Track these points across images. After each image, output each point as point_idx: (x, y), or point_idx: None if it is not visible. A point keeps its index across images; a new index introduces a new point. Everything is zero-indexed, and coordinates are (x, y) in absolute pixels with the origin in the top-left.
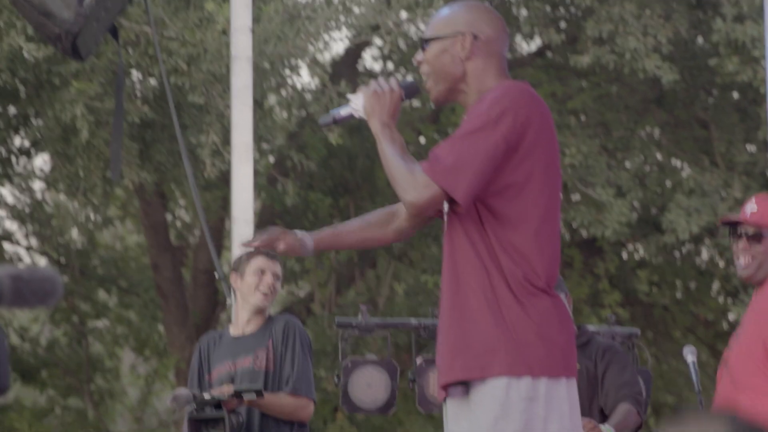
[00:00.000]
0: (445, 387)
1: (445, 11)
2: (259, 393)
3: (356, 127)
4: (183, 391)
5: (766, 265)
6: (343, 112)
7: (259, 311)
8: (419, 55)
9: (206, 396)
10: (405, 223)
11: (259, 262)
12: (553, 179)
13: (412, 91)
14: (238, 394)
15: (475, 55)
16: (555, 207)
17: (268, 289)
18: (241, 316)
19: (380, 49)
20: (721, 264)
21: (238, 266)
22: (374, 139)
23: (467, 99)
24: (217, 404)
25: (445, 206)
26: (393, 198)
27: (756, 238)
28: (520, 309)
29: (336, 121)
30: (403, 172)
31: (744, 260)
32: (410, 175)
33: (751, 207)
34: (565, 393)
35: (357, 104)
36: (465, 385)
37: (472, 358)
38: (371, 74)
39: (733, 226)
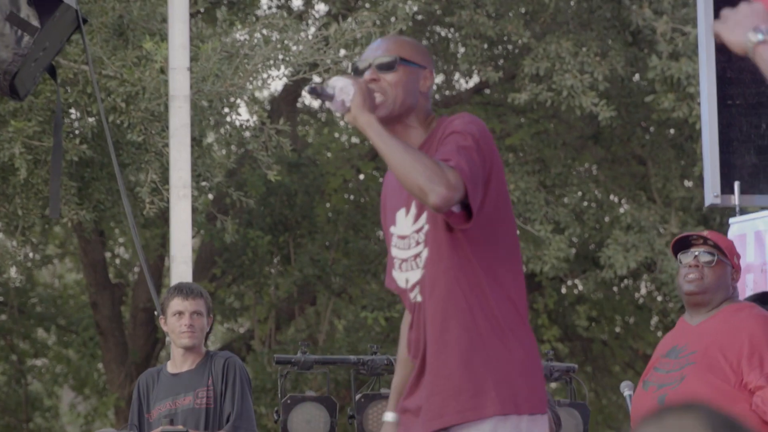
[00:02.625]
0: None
1: (409, 40)
2: None
3: (295, 164)
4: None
5: (711, 292)
6: (328, 90)
7: (190, 350)
8: (374, 72)
9: None
10: None
11: (176, 304)
12: (510, 208)
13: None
14: None
15: (427, 93)
16: (516, 236)
17: (188, 329)
18: (176, 354)
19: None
20: (660, 298)
21: (162, 310)
22: (313, 176)
23: (406, 130)
24: None
25: (404, 247)
26: (332, 235)
27: (709, 262)
28: (503, 346)
29: (318, 94)
30: (429, 164)
31: (694, 275)
32: (439, 168)
33: (706, 233)
34: (543, 429)
35: (344, 88)
36: (445, 430)
37: (465, 400)
38: (310, 111)
39: (687, 246)
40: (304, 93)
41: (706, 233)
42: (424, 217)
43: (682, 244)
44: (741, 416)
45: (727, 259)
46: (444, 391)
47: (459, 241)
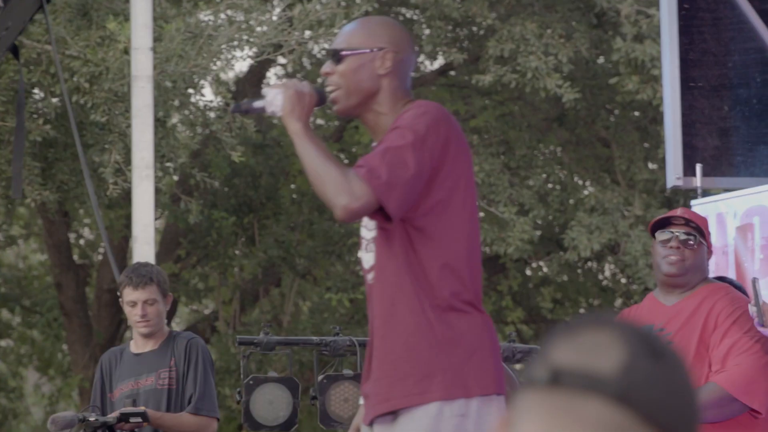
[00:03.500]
0: (377, 416)
1: (363, 24)
2: (143, 416)
3: (260, 146)
4: (63, 415)
5: (691, 273)
6: (256, 104)
7: (149, 336)
8: (328, 66)
9: (92, 418)
10: None
11: (127, 294)
12: (472, 195)
13: (322, 99)
14: (124, 417)
15: (392, 73)
16: (477, 222)
17: (142, 319)
18: (138, 335)
19: (284, 67)
20: (623, 281)
21: (119, 296)
22: (278, 158)
23: (377, 117)
24: (111, 428)
25: (370, 228)
26: (297, 216)
27: (689, 243)
28: (451, 330)
29: (246, 111)
30: (336, 175)
31: (675, 257)
32: (344, 179)
33: (686, 213)
34: (496, 410)
35: (273, 99)
36: (393, 413)
37: (411, 385)
38: None
39: (665, 225)
40: (268, 74)
41: (686, 214)
42: None
43: (661, 224)
44: (661, 337)
45: (705, 239)
46: (390, 375)
47: (406, 232)
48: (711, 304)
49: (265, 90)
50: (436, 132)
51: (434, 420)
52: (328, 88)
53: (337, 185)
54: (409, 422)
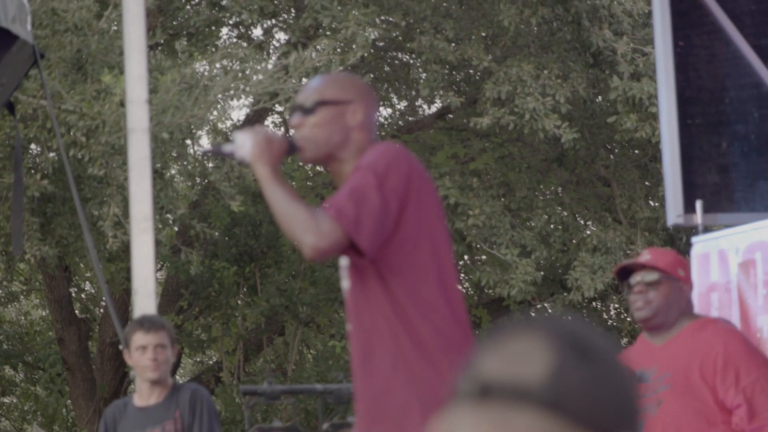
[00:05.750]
0: None
1: (332, 78)
2: None
3: (259, 194)
4: None
5: (663, 312)
6: (225, 148)
7: (157, 383)
8: (298, 118)
9: None
10: None
11: (138, 339)
12: (443, 230)
13: (294, 149)
14: None
15: (361, 125)
16: (450, 258)
17: (152, 363)
18: (143, 387)
19: (281, 114)
20: (629, 319)
21: (126, 344)
22: None
23: (342, 167)
24: None
25: (344, 266)
26: (298, 264)
27: (652, 284)
28: (431, 368)
29: (216, 155)
30: (303, 214)
31: (641, 302)
32: (312, 218)
33: (645, 256)
34: None
35: (242, 144)
36: None
37: (389, 423)
38: None
39: (628, 275)
40: (265, 122)
41: (643, 257)
42: None
43: (624, 273)
44: (593, 332)
45: (670, 275)
46: (370, 415)
47: (378, 269)
48: (705, 340)
49: (235, 135)
50: (396, 170)
51: None
52: (298, 140)
53: (305, 225)
54: None
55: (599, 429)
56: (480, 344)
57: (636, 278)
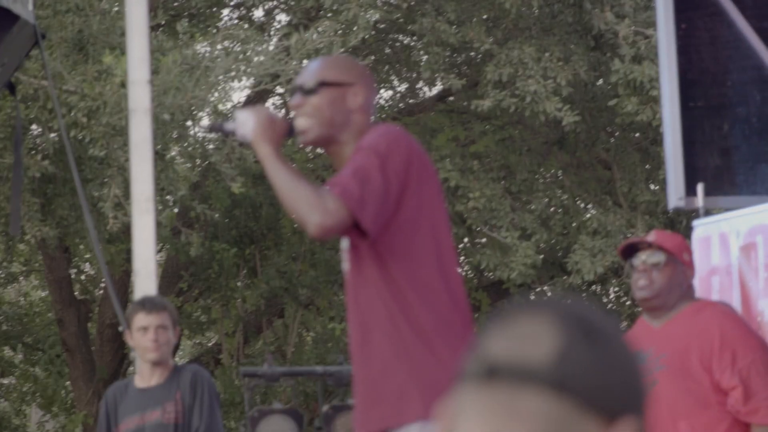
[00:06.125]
0: None
1: (334, 60)
2: None
3: (260, 176)
4: None
5: (664, 294)
6: (227, 125)
7: (158, 364)
8: (299, 98)
9: None
10: None
11: (140, 319)
12: (443, 213)
13: (294, 130)
14: None
15: (361, 108)
16: (449, 241)
17: (153, 344)
18: (144, 368)
19: (282, 96)
20: (628, 303)
21: (127, 324)
22: None
23: (341, 149)
24: None
25: (345, 248)
26: (298, 246)
27: (656, 265)
28: (428, 352)
29: (218, 132)
30: (308, 193)
31: (644, 281)
32: (317, 196)
33: (652, 236)
34: None
35: (244, 123)
36: None
37: (387, 407)
38: None
39: (634, 251)
40: (266, 104)
41: (650, 237)
42: None
43: (629, 251)
44: (599, 314)
45: (675, 258)
46: (368, 398)
47: (377, 251)
48: (703, 323)
49: (237, 113)
50: (398, 152)
51: None
52: (299, 120)
53: (310, 203)
54: None
55: (606, 411)
56: (486, 326)
57: (641, 257)
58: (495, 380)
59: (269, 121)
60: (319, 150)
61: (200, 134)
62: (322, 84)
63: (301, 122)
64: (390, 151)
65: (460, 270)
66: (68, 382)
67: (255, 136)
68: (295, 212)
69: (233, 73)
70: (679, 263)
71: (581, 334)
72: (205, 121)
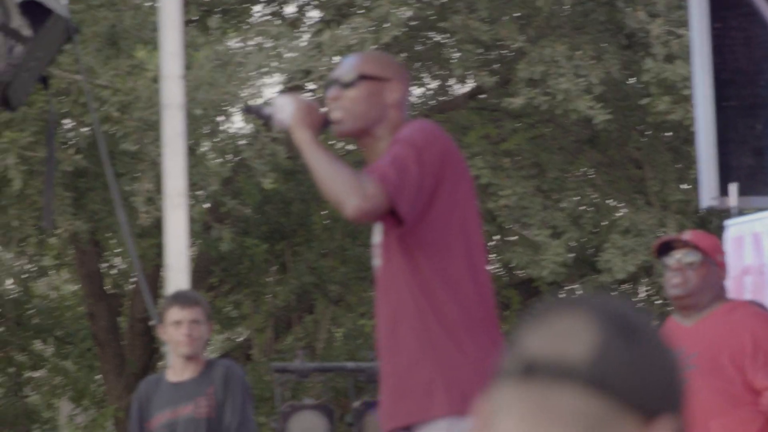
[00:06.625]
0: None
1: (371, 55)
2: None
3: (291, 172)
4: None
5: (697, 293)
6: (266, 110)
7: (191, 358)
8: (335, 91)
9: None
10: None
11: (173, 313)
12: (474, 210)
13: (329, 123)
14: None
15: (397, 104)
16: (481, 237)
17: (186, 338)
18: (176, 363)
19: (313, 92)
20: (658, 302)
21: (160, 318)
22: (309, 184)
23: (376, 143)
24: None
25: (376, 243)
26: (329, 242)
27: (692, 264)
28: (455, 348)
29: (255, 114)
30: (347, 176)
31: (677, 280)
32: (356, 180)
33: (688, 235)
34: None
35: (282, 108)
36: (406, 430)
37: (413, 401)
38: None
39: (669, 249)
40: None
41: (686, 236)
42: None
43: (664, 249)
44: (636, 311)
45: (710, 258)
46: (394, 392)
47: (408, 245)
48: (735, 323)
49: (276, 98)
50: (433, 146)
51: None
52: (335, 112)
53: (348, 186)
54: None
55: (644, 409)
56: (523, 323)
57: (676, 256)
58: (532, 378)
59: (307, 107)
60: (351, 146)
61: (231, 129)
62: (361, 77)
63: (337, 115)
64: (426, 145)
65: (489, 267)
66: (99, 376)
67: (293, 121)
68: (332, 195)
69: (265, 69)
70: (713, 263)
71: (619, 331)
72: (237, 117)
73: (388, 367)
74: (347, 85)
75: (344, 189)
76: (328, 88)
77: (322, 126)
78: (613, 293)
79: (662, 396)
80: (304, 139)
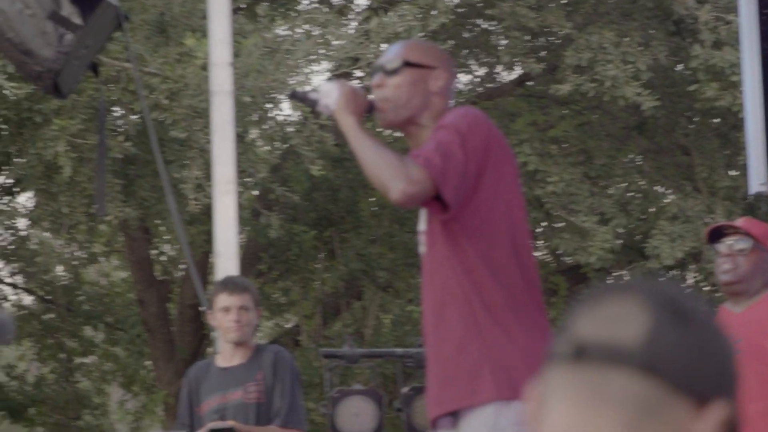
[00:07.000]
0: (435, 419)
1: (416, 43)
2: (232, 431)
3: (338, 159)
4: None
5: (747, 280)
6: (311, 95)
7: (240, 344)
8: (379, 78)
9: None
10: None
11: (222, 300)
12: (518, 196)
13: (373, 109)
14: None
15: (442, 92)
16: (525, 223)
17: (235, 324)
18: (226, 348)
19: (361, 80)
20: (707, 288)
21: (210, 305)
22: (357, 171)
23: (420, 131)
24: None
25: (421, 230)
26: (377, 229)
27: (743, 250)
28: (502, 333)
29: (301, 100)
30: (393, 160)
31: (728, 266)
32: (401, 164)
33: (740, 221)
34: None
35: (328, 92)
36: (453, 415)
37: (459, 387)
38: None
39: (720, 235)
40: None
41: (738, 222)
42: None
43: (715, 235)
44: (688, 296)
45: (761, 245)
46: (442, 379)
47: (453, 231)
48: None
49: (322, 84)
50: (478, 133)
51: (492, 428)
52: (379, 99)
53: (394, 170)
54: (468, 428)
55: (695, 393)
56: (575, 307)
57: (727, 242)
58: (584, 362)
59: (353, 93)
60: (397, 133)
61: (280, 117)
62: (406, 65)
63: (381, 101)
64: (471, 131)
65: (535, 253)
66: (149, 362)
67: (339, 106)
68: (378, 179)
69: (313, 57)
70: (764, 250)
71: (671, 315)
72: (285, 104)
73: (435, 352)
74: (391, 72)
75: (389, 173)
76: (373, 75)
77: (367, 112)
78: (662, 279)
79: (714, 380)
80: (349, 124)
